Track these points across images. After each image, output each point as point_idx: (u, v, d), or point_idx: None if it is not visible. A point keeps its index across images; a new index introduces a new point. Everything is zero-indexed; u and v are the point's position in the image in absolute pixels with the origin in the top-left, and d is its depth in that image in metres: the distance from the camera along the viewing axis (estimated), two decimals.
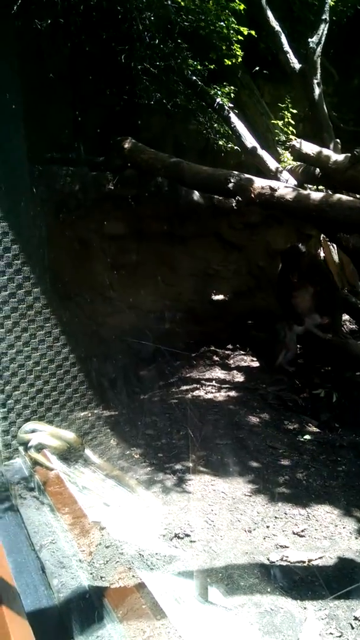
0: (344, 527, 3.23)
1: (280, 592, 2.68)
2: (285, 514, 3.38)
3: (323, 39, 6.18)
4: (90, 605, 2.75)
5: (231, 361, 6.26)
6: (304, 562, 2.91)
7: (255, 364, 6.15)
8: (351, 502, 3.50)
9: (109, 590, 2.80)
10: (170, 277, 6.41)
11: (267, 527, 3.25)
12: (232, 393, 5.31)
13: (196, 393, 5.33)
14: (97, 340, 5.79)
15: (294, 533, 3.18)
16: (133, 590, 2.79)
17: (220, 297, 6.74)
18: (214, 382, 5.62)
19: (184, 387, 5.52)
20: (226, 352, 6.50)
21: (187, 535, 3.15)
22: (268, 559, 2.94)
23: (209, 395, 5.26)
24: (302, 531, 3.19)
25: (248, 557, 2.96)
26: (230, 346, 6.61)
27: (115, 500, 3.59)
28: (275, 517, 3.34)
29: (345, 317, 7.28)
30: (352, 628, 2.46)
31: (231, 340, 6.65)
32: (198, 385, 5.52)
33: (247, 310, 6.75)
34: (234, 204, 5.28)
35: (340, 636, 2.41)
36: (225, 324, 6.62)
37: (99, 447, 4.31)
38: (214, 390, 5.37)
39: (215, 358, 6.33)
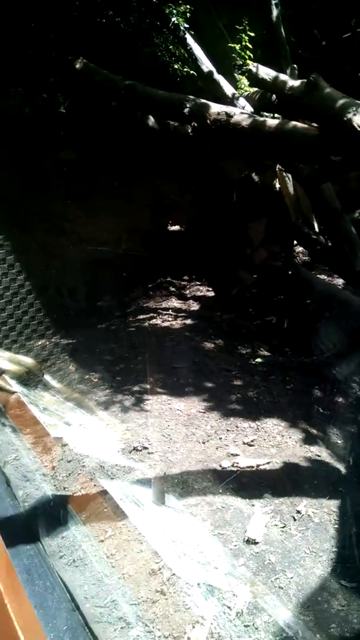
0: (290, 437, 3.50)
1: (231, 493, 2.94)
2: (237, 427, 3.62)
3: None
4: (54, 511, 2.93)
5: (187, 291, 6.39)
6: (252, 467, 3.17)
7: (211, 293, 6.30)
8: (297, 415, 3.77)
9: (72, 498, 2.99)
10: (125, 207, 6.34)
11: (220, 438, 3.49)
12: (188, 321, 5.46)
13: (153, 322, 5.45)
14: (53, 271, 5.76)
15: (244, 443, 3.43)
16: (95, 496, 2.99)
17: (176, 227, 6.75)
18: (170, 311, 5.74)
19: (141, 316, 5.63)
20: (182, 282, 6.60)
21: (145, 448, 3.34)
22: (220, 466, 3.18)
23: (166, 324, 5.39)
24: (252, 441, 3.44)
25: (202, 465, 3.19)
26: (186, 277, 6.71)
27: (75, 420, 3.74)
28: (227, 430, 3.58)
29: (299, 248, 7.44)
30: (295, 520, 2.74)
31: (187, 271, 6.74)
32: (155, 315, 5.63)
33: (203, 240, 6.79)
34: (189, 130, 5.20)
35: (284, 527, 2.69)
36: (181, 255, 6.66)
37: (58, 372, 4.40)
38: (170, 319, 5.50)
39: (172, 288, 6.43)
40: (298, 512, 2.78)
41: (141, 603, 2.34)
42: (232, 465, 3.18)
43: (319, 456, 3.31)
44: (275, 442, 3.43)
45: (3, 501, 3.02)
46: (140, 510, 2.86)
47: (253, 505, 2.85)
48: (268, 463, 3.20)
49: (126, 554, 2.60)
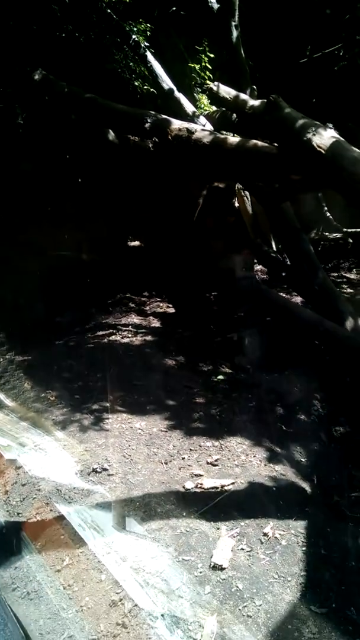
0: (254, 456, 3.42)
1: (195, 516, 2.82)
2: (200, 446, 3.52)
3: None
4: (6, 539, 2.74)
5: (147, 307, 6.29)
6: (217, 488, 3.07)
7: (171, 310, 6.22)
8: (261, 433, 3.70)
9: (26, 524, 2.81)
10: (85, 221, 6.21)
11: (183, 458, 3.37)
12: (149, 337, 5.35)
13: (113, 338, 5.31)
14: (9, 284, 5.56)
15: (208, 463, 3.33)
16: (51, 522, 2.82)
17: (136, 243, 6.67)
18: (130, 327, 5.62)
19: (100, 333, 5.48)
20: (142, 298, 6.51)
21: (105, 470, 3.20)
22: (183, 487, 3.06)
23: (125, 340, 5.26)
24: (216, 461, 3.34)
25: (164, 487, 3.07)
26: (146, 293, 6.62)
27: (31, 441, 3.55)
28: (190, 450, 3.48)
29: (258, 267, 7.48)
30: (262, 543, 2.65)
31: (147, 287, 6.65)
32: (114, 331, 5.49)
33: (163, 256, 6.73)
34: (150, 145, 5.15)
35: (250, 551, 2.59)
36: (141, 271, 6.58)
37: (12, 390, 4.21)
38: (130, 335, 5.38)
39: (132, 304, 6.32)
40: (265, 534, 2.69)
41: (101, 638, 2.18)
42: (196, 487, 3.07)
43: (284, 475, 3.24)
44: (239, 462, 3.34)
45: None
46: (99, 537, 2.70)
47: (218, 528, 2.74)
48: (233, 483, 3.10)
49: (85, 584, 2.44)
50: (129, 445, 3.49)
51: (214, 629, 2.15)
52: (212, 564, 2.46)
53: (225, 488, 3.06)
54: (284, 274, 6.47)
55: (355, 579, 2.42)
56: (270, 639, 2.10)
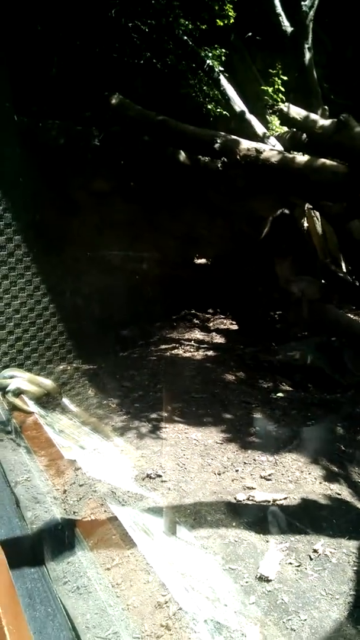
0: (309, 474, 3.37)
1: (245, 527, 2.82)
2: (254, 460, 3.51)
3: (316, 2, 6.14)
4: (62, 535, 2.86)
5: (211, 324, 6.37)
6: (269, 501, 3.04)
7: (235, 327, 6.26)
8: (318, 452, 3.63)
9: (81, 522, 2.92)
10: (154, 238, 6.43)
11: (236, 471, 3.38)
12: (210, 353, 5.41)
13: (175, 352, 5.42)
14: (80, 298, 5.83)
15: (261, 477, 3.31)
16: (104, 522, 2.91)
17: (203, 260, 6.80)
18: (192, 342, 5.71)
19: (163, 346, 5.60)
20: (206, 315, 6.60)
21: (159, 476, 3.26)
22: (235, 498, 3.07)
23: (187, 354, 5.35)
24: (269, 475, 3.32)
25: (216, 497, 3.09)
26: (210, 310, 6.71)
27: (90, 445, 3.69)
28: (245, 463, 3.47)
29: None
30: (311, 559, 2.60)
31: (212, 304, 6.74)
32: (177, 345, 5.60)
33: (229, 274, 6.80)
34: (219, 165, 5.29)
35: (299, 565, 2.55)
36: (207, 288, 6.68)
37: (76, 396, 4.38)
38: (192, 350, 5.46)
39: (196, 320, 6.42)
40: (315, 551, 2.64)
41: (144, 637, 2.22)
42: (248, 499, 3.06)
43: (339, 494, 3.17)
44: (293, 478, 3.30)
45: (11, 522, 2.97)
46: (149, 540, 2.76)
47: (267, 541, 2.72)
48: (285, 498, 3.07)
49: (132, 584, 2.50)
50: (184, 455, 3.54)
51: (257, 639, 2.14)
52: (259, 575, 2.45)
53: (278, 502, 3.03)
54: (352, 295, 6.37)
55: None
56: None
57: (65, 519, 2.98)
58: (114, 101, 5.47)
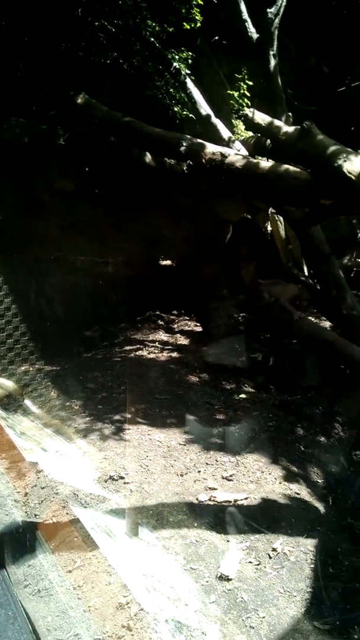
0: (269, 474, 3.44)
1: (206, 527, 2.86)
2: (216, 460, 3.56)
3: (282, 10, 6.26)
4: (23, 538, 2.84)
5: (175, 325, 6.40)
6: (230, 502, 3.10)
7: (199, 328, 6.31)
8: (278, 452, 3.72)
9: (42, 525, 2.90)
10: (119, 240, 6.40)
11: (199, 471, 3.42)
12: (174, 354, 5.44)
13: (139, 353, 5.42)
14: (43, 299, 5.77)
15: (223, 477, 3.36)
16: (66, 525, 2.90)
17: (167, 262, 6.82)
18: (157, 343, 5.72)
19: (128, 347, 5.60)
20: (171, 316, 6.62)
21: (122, 478, 3.27)
22: (197, 499, 3.11)
23: (152, 355, 5.36)
24: (231, 476, 3.38)
25: (178, 497, 3.12)
26: (175, 311, 6.74)
27: (53, 447, 3.66)
28: (207, 464, 3.52)
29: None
30: (270, 558, 2.67)
31: (176, 306, 6.77)
32: (141, 346, 5.61)
33: (193, 276, 6.84)
34: (185, 168, 5.33)
35: (258, 564, 2.61)
36: (171, 290, 6.70)
37: (39, 398, 4.34)
38: (156, 351, 5.48)
39: (160, 322, 6.44)
40: (274, 549, 2.71)
41: (106, 638, 2.24)
42: (210, 499, 3.11)
43: (298, 494, 3.25)
44: (254, 478, 3.37)
45: None
46: (111, 541, 2.77)
47: (228, 541, 2.77)
48: (246, 498, 3.13)
49: (94, 586, 2.50)
50: (147, 456, 3.56)
51: (216, 637, 2.18)
52: (219, 574, 2.49)
53: (239, 502, 3.09)
54: (312, 298, 6.51)
55: None
56: None
57: (26, 521, 2.96)
58: (79, 101, 5.42)
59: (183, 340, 5.92)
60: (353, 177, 4.33)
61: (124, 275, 6.49)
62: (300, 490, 3.30)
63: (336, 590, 2.45)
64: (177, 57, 6.50)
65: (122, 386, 4.58)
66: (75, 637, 2.26)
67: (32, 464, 3.40)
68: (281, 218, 7.24)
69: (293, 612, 2.31)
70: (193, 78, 6.63)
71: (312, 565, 2.61)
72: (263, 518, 2.97)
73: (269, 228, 7.71)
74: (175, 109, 6.87)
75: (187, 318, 6.61)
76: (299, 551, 2.70)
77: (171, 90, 6.86)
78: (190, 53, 6.61)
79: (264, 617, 2.27)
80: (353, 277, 7.52)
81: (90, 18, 5.95)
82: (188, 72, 6.53)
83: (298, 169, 4.99)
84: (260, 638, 2.18)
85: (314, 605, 2.35)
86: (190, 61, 6.65)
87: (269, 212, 7.45)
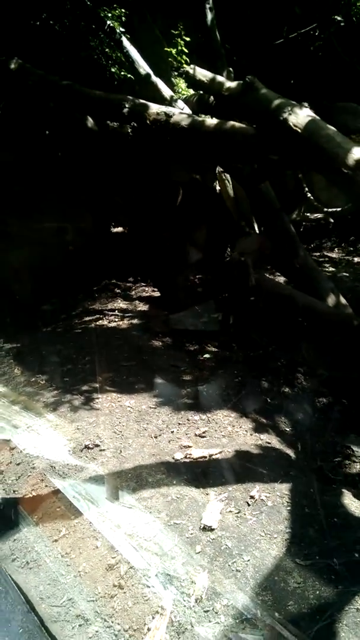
0: (240, 427, 3.55)
1: (185, 484, 2.94)
2: (188, 420, 3.64)
3: None
4: (4, 514, 2.84)
5: (133, 292, 6.38)
6: (205, 457, 3.19)
7: (157, 293, 6.31)
8: (246, 406, 3.83)
9: (23, 500, 2.91)
10: (68, 210, 6.25)
11: (172, 432, 3.49)
12: (135, 321, 5.44)
13: (100, 322, 5.40)
14: None
15: (196, 435, 3.45)
16: (47, 497, 2.92)
17: (119, 229, 6.73)
18: (116, 311, 5.70)
19: (87, 318, 5.56)
20: (127, 284, 6.60)
21: (97, 446, 3.30)
22: (173, 458, 3.18)
23: (113, 324, 5.35)
24: (204, 433, 3.47)
25: (155, 458, 3.19)
26: (131, 278, 6.71)
27: (23, 423, 3.64)
28: (179, 424, 3.59)
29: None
30: (249, 505, 2.78)
31: (132, 273, 6.74)
32: (101, 316, 5.58)
33: (146, 242, 6.78)
34: (129, 130, 5.20)
35: (238, 512, 2.72)
36: (125, 257, 6.64)
37: (2, 376, 4.28)
38: (117, 320, 5.47)
39: (117, 290, 6.40)
40: (252, 497, 2.82)
41: (99, 599, 2.30)
42: (185, 457, 3.19)
43: (269, 443, 3.37)
44: (226, 433, 3.47)
45: None
46: (94, 507, 2.81)
47: (207, 494, 2.87)
48: (220, 452, 3.23)
49: (81, 551, 2.55)
50: (120, 422, 3.60)
51: (205, 584, 2.28)
52: (202, 525, 2.59)
53: (213, 457, 3.19)
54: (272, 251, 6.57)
55: (337, 534, 2.55)
56: (258, 589, 2.23)
57: (5, 498, 2.96)
58: (12, 66, 5.15)
59: (142, 307, 5.91)
60: (299, 130, 4.34)
61: (75, 245, 6.37)
62: (271, 440, 3.42)
63: (312, 528, 2.59)
64: (109, 14, 6.27)
65: (87, 357, 4.57)
66: (69, 601, 2.31)
67: (5, 442, 3.38)
68: (229, 176, 7.22)
69: (275, 553, 2.43)
70: (128, 36, 6.42)
71: (289, 508, 2.73)
72: (238, 469, 3.08)
73: (218, 187, 7.68)
74: (113, 69, 6.66)
75: (144, 284, 6.60)
76: (275, 496, 2.82)
77: (107, 50, 6.63)
78: (123, 10, 6.38)
79: (248, 560, 2.39)
80: (302, 232, 7.64)
81: None
82: (123, 30, 6.31)
83: (244, 125, 4.95)
84: (247, 579, 2.29)
85: (294, 544, 2.48)
86: (124, 19, 6.43)
87: (217, 172, 7.41)
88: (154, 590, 2.28)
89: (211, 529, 2.57)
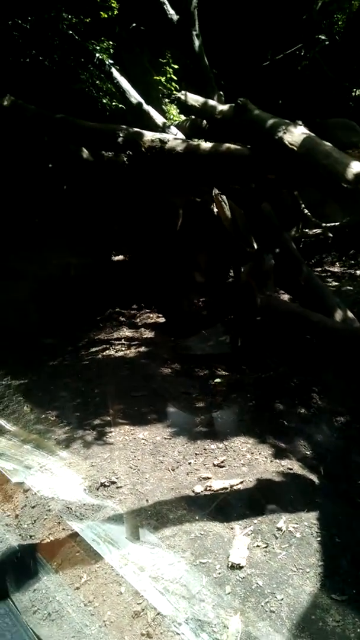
0: (259, 454, 3.44)
1: (208, 519, 2.83)
2: (205, 449, 3.53)
3: None
4: (22, 563, 2.73)
5: (138, 319, 6.31)
6: (226, 488, 3.07)
7: (162, 319, 6.25)
8: (263, 430, 3.72)
9: (40, 546, 2.80)
10: (68, 241, 6.23)
11: (189, 463, 3.38)
12: (142, 349, 5.36)
13: (106, 353, 5.32)
14: None
15: (214, 465, 3.34)
16: (65, 541, 2.81)
17: (120, 257, 6.71)
18: (122, 340, 5.63)
19: (94, 349, 5.48)
20: (132, 311, 6.54)
21: (113, 483, 3.19)
22: (193, 491, 3.07)
23: (120, 353, 5.27)
24: (222, 462, 3.35)
25: (174, 493, 3.07)
26: (135, 305, 6.65)
27: (36, 463, 3.54)
28: (196, 454, 3.49)
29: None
30: (277, 538, 2.66)
31: (135, 300, 6.69)
32: (107, 345, 5.51)
33: (149, 268, 6.76)
34: (125, 159, 5.20)
35: (266, 546, 2.60)
36: (128, 284, 6.60)
37: (12, 415, 4.19)
38: (124, 348, 5.39)
39: (122, 318, 6.34)
40: (279, 529, 2.70)
41: None
42: (205, 489, 3.07)
43: (290, 469, 3.26)
44: (245, 461, 3.36)
45: None
46: (115, 550, 2.69)
47: (232, 528, 2.75)
48: (241, 482, 3.11)
49: (105, 598, 2.43)
50: (135, 456, 3.49)
51: (239, 628, 2.15)
52: (230, 563, 2.47)
53: (235, 488, 3.07)
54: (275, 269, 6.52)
55: None
56: (295, 631, 2.11)
57: (22, 545, 2.84)
58: (5, 103, 5.17)
59: (148, 334, 5.85)
60: (295, 148, 4.33)
61: (76, 275, 6.33)
62: (292, 465, 3.31)
63: (345, 559, 2.47)
64: (97, 47, 6.36)
65: (96, 389, 4.48)
66: None
67: (18, 484, 3.28)
68: (224, 198, 7.22)
69: (309, 589, 2.31)
70: (118, 67, 6.50)
71: (319, 538, 2.62)
72: (262, 499, 2.96)
73: (215, 210, 7.68)
74: (104, 100, 6.75)
75: (149, 310, 6.54)
76: (303, 526, 2.71)
77: (97, 82, 6.74)
78: (111, 42, 6.48)
79: (282, 599, 2.27)
80: (302, 248, 7.61)
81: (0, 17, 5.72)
82: (112, 61, 6.39)
83: (239, 147, 4.95)
84: (283, 620, 2.17)
85: (328, 578, 2.36)
86: (112, 51, 6.53)
87: (214, 194, 7.41)
88: (185, 638, 2.15)
89: (240, 567, 2.45)
